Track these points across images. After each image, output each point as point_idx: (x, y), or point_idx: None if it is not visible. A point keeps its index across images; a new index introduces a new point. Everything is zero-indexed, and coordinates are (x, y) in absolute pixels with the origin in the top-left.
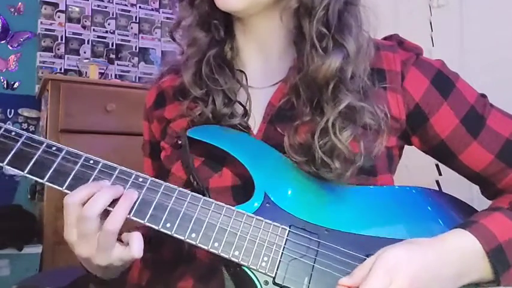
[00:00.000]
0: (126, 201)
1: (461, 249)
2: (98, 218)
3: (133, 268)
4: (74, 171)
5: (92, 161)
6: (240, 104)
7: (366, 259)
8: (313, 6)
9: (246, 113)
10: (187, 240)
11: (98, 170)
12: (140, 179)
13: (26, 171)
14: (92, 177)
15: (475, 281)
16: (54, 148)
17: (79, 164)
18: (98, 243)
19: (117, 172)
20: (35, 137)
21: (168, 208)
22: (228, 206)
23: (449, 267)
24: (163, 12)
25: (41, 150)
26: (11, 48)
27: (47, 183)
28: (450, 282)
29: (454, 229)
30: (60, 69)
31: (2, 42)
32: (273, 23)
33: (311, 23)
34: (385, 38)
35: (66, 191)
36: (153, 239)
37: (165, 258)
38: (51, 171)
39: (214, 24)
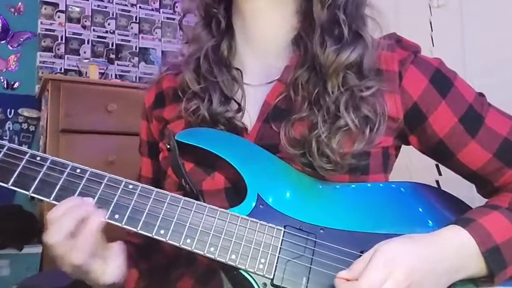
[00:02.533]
0: (89, 226)
1: (458, 246)
2: (65, 240)
3: (130, 278)
4: (61, 182)
5: (78, 170)
6: (236, 101)
7: (361, 255)
8: None
9: (239, 109)
10: (183, 246)
11: (85, 179)
12: (130, 186)
13: (10, 184)
14: (80, 187)
15: (470, 276)
16: (38, 158)
17: (65, 173)
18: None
19: (106, 180)
20: (18, 147)
21: (161, 215)
22: (222, 209)
23: (445, 262)
24: (163, 12)
25: (24, 160)
26: (11, 48)
27: (33, 194)
28: (445, 276)
29: (451, 225)
30: (60, 69)
31: (2, 42)
32: (274, 17)
33: (324, 9)
34: (382, 37)
35: (54, 202)
36: (146, 247)
37: (160, 264)
38: (36, 182)
39: (216, 18)
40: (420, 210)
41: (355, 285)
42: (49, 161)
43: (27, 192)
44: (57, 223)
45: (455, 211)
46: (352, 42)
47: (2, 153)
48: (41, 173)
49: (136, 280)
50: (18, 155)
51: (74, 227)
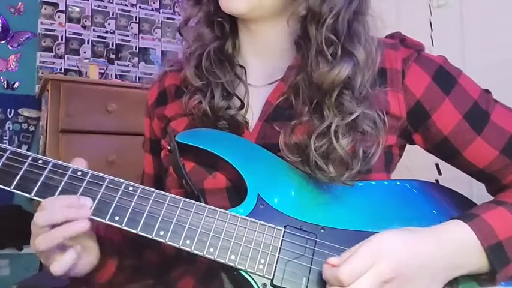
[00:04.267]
0: (69, 227)
1: (459, 242)
2: (46, 228)
3: (104, 270)
4: (62, 184)
5: (80, 173)
6: (238, 97)
7: None
8: (322, 14)
9: (243, 106)
10: (182, 247)
11: (86, 181)
12: (131, 188)
13: (12, 187)
14: (81, 189)
15: (472, 272)
16: (40, 161)
17: (66, 176)
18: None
19: (106, 182)
20: (20, 151)
21: (161, 216)
22: (222, 210)
23: (444, 258)
24: (163, 12)
25: (26, 164)
26: (11, 48)
27: (35, 197)
28: (444, 272)
29: (453, 220)
30: (60, 69)
31: (2, 42)
32: (277, 28)
33: (318, 30)
34: (387, 36)
35: None
36: (135, 244)
37: (150, 262)
38: (38, 185)
39: (218, 22)
40: (424, 208)
41: (336, 271)
42: (50, 164)
43: (29, 196)
44: (50, 211)
45: (461, 208)
46: (342, 61)
47: (5, 157)
48: (43, 176)
49: (113, 273)
50: (20, 159)
51: (61, 222)
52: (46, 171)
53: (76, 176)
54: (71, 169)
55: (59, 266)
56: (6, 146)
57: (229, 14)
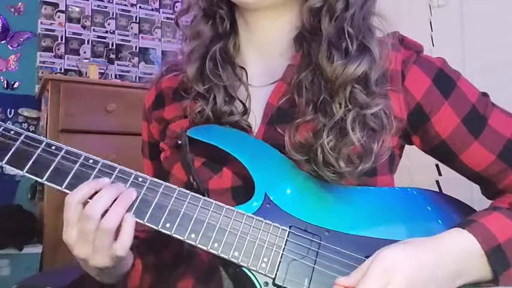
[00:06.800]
0: (125, 199)
1: (460, 249)
2: (100, 217)
3: (134, 273)
4: (74, 171)
5: (91, 161)
6: (240, 101)
7: (365, 260)
8: (338, 7)
9: (245, 111)
10: (187, 240)
11: (97, 169)
12: (140, 179)
13: (25, 170)
14: (92, 177)
15: (474, 280)
16: (53, 147)
17: (78, 163)
18: (94, 244)
19: (116, 172)
20: (35, 136)
21: (168, 208)
22: (228, 206)
23: (447, 267)
24: (163, 12)
25: (40, 149)
26: (11, 48)
27: (46, 182)
28: (448, 282)
29: (452, 228)
30: (60, 69)
31: (2, 42)
32: (277, 22)
33: (333, 23)
34: (385, 36)
35: (65, 190)
36: (155, 242)
37: (165, 260)
38: (50, 170)
39: (219, 16)
40: (429, 216)
41: None
42: (63, 150)
43: (40, 180)
44: (100, 195)
45: (464, 218)
46: (359, 55)
47: (20, 141)
48: (55, 162)
49: (141, 275)
50: (34, 144)
51: (111, 200)
52: (59, 157)
53: (87, 164)
54: (83, 156)
55: (123, 244)
56: (21, 130)
57: (240, 4)
